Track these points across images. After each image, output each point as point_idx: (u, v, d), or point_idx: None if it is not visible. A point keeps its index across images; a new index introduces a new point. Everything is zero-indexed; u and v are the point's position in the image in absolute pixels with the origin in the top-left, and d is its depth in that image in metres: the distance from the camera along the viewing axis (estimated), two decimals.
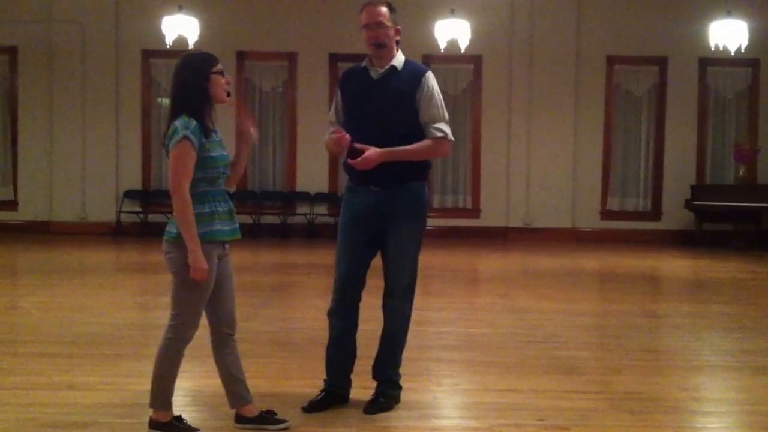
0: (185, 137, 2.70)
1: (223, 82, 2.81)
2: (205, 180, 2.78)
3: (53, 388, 3.41)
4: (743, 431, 3.16)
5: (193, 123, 2.73)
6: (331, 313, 3.22)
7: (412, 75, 3.14)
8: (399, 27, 3.17)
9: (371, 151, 3.02)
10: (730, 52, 9.55)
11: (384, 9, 3.12)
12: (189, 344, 2.85)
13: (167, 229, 2.82)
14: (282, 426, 2.93)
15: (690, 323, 5.32)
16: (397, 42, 3.18)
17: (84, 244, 9.45)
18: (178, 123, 2.73)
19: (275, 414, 2.98)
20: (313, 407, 3.14)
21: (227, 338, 2.90)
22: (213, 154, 2.78)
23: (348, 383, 3.25)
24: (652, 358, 4.26)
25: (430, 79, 3.14)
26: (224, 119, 3.01)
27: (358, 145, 3.05)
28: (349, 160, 3.06)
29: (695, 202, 10.36)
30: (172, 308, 2.82)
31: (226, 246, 2.88)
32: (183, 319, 2.79)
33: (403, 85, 3.12)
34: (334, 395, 3.20)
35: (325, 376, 3.24)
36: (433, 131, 3.12)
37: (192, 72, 2.76)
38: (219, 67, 2.82)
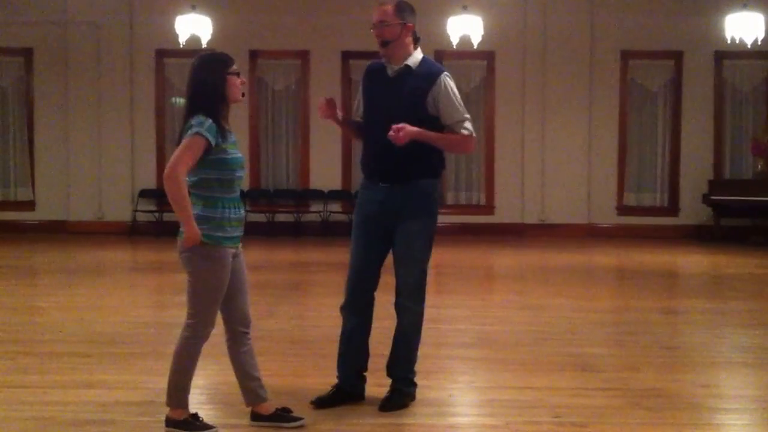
0: (198, 133, 2.71)
1: (238, 83, 2.83)
2: (219, 182, 2.79)
3: (71, 386, 3.44)
4: (763, 428, 3.11)
5: (209, 122, 2.74)
6: (344, 309, 3.23)
7: (427, 75, 3.13)
8: (410, 24, 3.15)
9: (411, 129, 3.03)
10: (747, 45, 9.40)
11: (389, 7, 3.12)
12: (205, 342, 2.87)
13: (181, 228, 2.83)
14: (297, 423, 2.93)
15: (708, 319, 5.25)
16: (417, 40, 3.17)
17: (100, 244, 9.53)
18: (193, 121, 2.74)
19: (291, 411, 2.98)
20: (322, 403, 3.15)
21: (242, 336, 2.91)
22: (229, 156, 2.79)
23: (361, 381, 3.24)
24: (670, 354, 4.22)
25: (446, 80, 3.12)
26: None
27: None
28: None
29: (713, 197, 10.22)
30: (189, 307, 2.84)
31: (239, 244, 2.89)
32: (199, 317, 2.81)
33: (416, 86, 3.12)
34: (344, 392, 3.20)
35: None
36: (462, 131, 3.14)
37: (208, 72, 2.78)
38: (234, 67, 2.83)
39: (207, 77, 2.77)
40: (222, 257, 2.78)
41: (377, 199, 3.15)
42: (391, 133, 2.99)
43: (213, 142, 2.73)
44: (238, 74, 2.84)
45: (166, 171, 2.72)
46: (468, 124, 3.15)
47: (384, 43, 3.11)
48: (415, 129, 3.03)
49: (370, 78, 3.23)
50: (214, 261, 2.76)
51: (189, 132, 2.73)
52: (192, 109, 2.77)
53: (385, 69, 3.18)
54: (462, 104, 3.17)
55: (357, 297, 3.19)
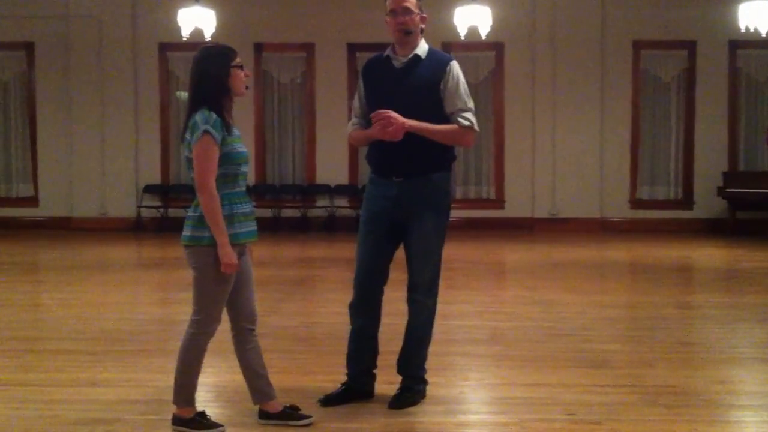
0: (206, 132, 2.69)
1: (242, 76, 2.81)
2: (224, 177, 2.76)
3: (75, 384, 3.41)
4: None
5: (213, 117, 2.71)
6: (352, 307, 3.19)
7: (437, 64, 3.09)
8: (425, 15, 3.13)
9: (401, 119, 2.97)
10: (761, 34, 9.23)
11: None
12: (211, 339, 2.85)
13: (186, 232, 2.81)
14: (306, 421, 2.91)
15: (724, 314, 5.17)
16: (421, 30, 3.14)
17: (104, 240, 9.49)
18: (198, 117, 2.72)
19: (299, 409, 2.96)
20: (330, 401, 3.12)
21: (248, 333, 2.89)
22: (234, 150, 2.77)
23: (370, 378, 3.21)
24: (686, 350, 4.15)
25: (455, 68, 3.09)
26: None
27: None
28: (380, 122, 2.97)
29: (728, 190, 10.09)
30: (194, 303, 2.82)
31: (251, 240, 2.86)
32: (205, 314, 2.79)
33: (428, 75, 3.07)
34: (353, 390, 3.17)
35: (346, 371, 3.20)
36: (461, 120, 3.07)
37: (211, 65, 2.75)
38: (238, 60, 2.81)
39: (210, 70, 2.74)
40: None
41: (390, 195, 3.09)
42: (388, 128, 2.92)
43: (219, 138, 2.70)
44: (241, 67, 2.81)
45: (197, 185, 2.72)
46: (469, 115, 3.08)
47: (407, 32, 3.06)
48: (407, 122, 2.95)
49: (373, 72, 3.17)
50: (217, 258, 2.72)
51: (197, 132, 2.70)
52: (195, 104, 2.75)
53: (389, 61, 3.12)
54: (468, 94, 3.11)
55: (366, 295, 3.14)
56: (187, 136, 2.74)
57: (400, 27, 3.04)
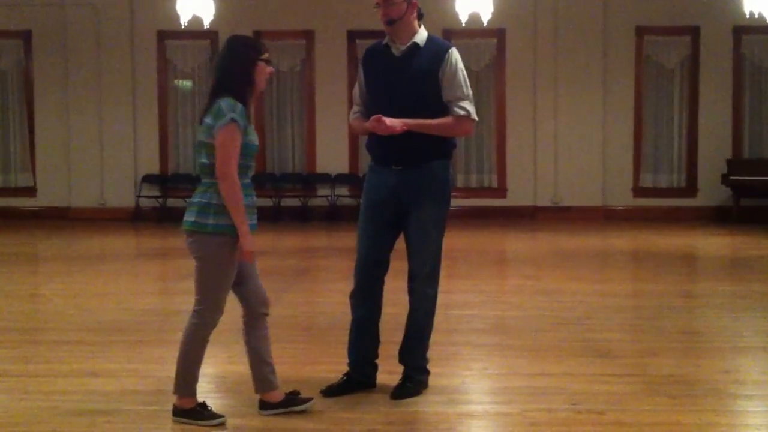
0: (233, 120, 2.69)
1: (267, 71, 2.83)
2: (237, 168, 2.75)
3: (75, 375, 3.40)
4: None
5: (240, 106, 2.73)
6: (353, 296, 3.18)
7: (435, 52, 3.07)
8: (415, 1, 3.08)
9: (395, 119, 2.98)
10: (766, 20, 9.14)
11: None
12: (213, 330, 2.83)
13: (188, 218, 2.79)
14: (307, 405, 2.91)
15: (729, 303, 5.14)
16: (421, 17, 3.11)
17: (103, 230, 9.46)
18: (223, 104, 2.71)
19: (299, 393, 2.95)
20: (332, 391, 3.11)
21: (261, 318, 2.89)
22: (251, 142, 2.79)
23: (372, 368, 3.20)
24: (690, 339, 4.13)
25: (454, 55, 3.07)
26: None
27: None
28: (372, 126, 2.99)
29: (732, 177, 10.02)
30: (197, 293, 2.81)
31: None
32: (208, 304, 2.78)
33: (426, 63, 3.05)
34: (354, 380, 3.16)
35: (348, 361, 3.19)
36: (456, 110, 3.05)
37: (240, 56, 2.77)
38: (266, 55, 2.83)
39: (239, 59, 2.76)
40: (230, 246, 2.74)
41: (389, 184, 3.07)
42: (379, 124, 2.93)
43: (243, 127, 2.72)
44: (268, 62, 2.83)
45: (219, 173, 2.70)
46: (466, 104, 3.05)
47: (390, 22, 3.04)
48: (398, 121, 2.94)
49: (373, 60, 3.15)
50: (221, 247, 2.72)
51: (222, 119, 2.69)
52: (220, 90, 2.76)
53: (388, 49, 3.11)
54: (467, 83, 3.08)
55: (366, 284, 3.13)
56: (208, 120, 2.73)
57: (382, 18, 3.04)
